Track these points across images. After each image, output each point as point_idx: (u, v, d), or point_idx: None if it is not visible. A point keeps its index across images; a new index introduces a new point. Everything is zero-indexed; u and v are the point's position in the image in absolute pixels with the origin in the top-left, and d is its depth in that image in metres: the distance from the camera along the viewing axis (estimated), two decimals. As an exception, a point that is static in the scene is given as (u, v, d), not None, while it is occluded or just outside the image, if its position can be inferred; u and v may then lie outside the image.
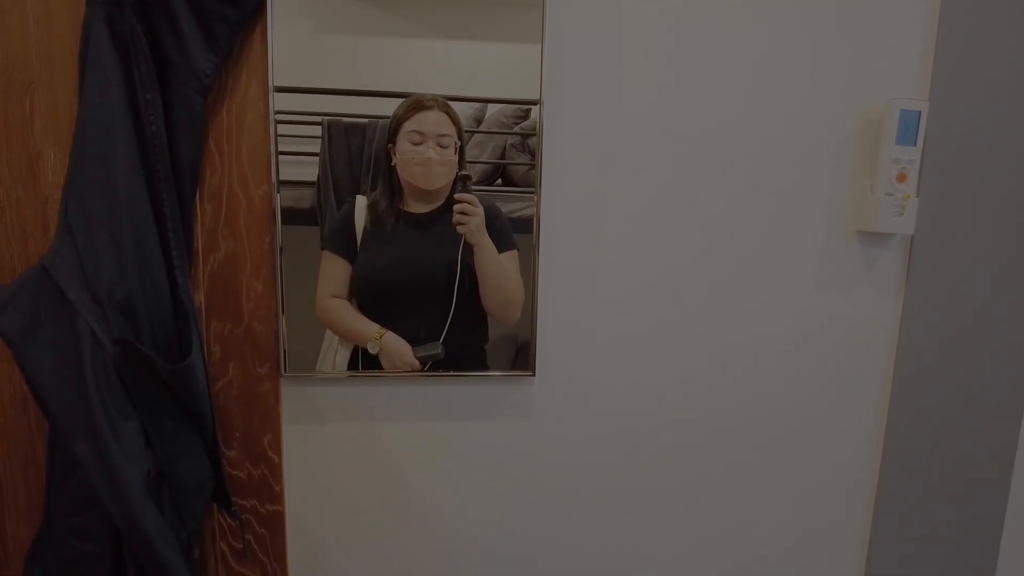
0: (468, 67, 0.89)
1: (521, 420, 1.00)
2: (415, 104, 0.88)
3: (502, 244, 0.92)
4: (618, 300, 0.98)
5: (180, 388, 0.77)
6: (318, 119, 0.87)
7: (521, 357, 0.97)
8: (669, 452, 1.04)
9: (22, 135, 0.79)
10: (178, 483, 0.81)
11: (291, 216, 0.87)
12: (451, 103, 0.89)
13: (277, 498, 0.93)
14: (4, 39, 0.77)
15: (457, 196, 0.88)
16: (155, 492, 0.78)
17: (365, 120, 0.88)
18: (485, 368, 0.97)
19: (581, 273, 0.97)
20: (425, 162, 0.88)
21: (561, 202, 0.94)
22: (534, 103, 0.90)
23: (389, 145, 0.89)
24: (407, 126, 0.88)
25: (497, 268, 0.91)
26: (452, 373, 0.95)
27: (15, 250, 0.81)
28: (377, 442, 0.98)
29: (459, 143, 0.90)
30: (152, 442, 0.78)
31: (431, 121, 0.88)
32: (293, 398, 0.95)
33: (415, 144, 0.88)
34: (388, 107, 0.88)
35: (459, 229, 0.88)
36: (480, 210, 0.88)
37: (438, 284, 0.91)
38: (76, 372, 0.72)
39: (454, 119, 0.89)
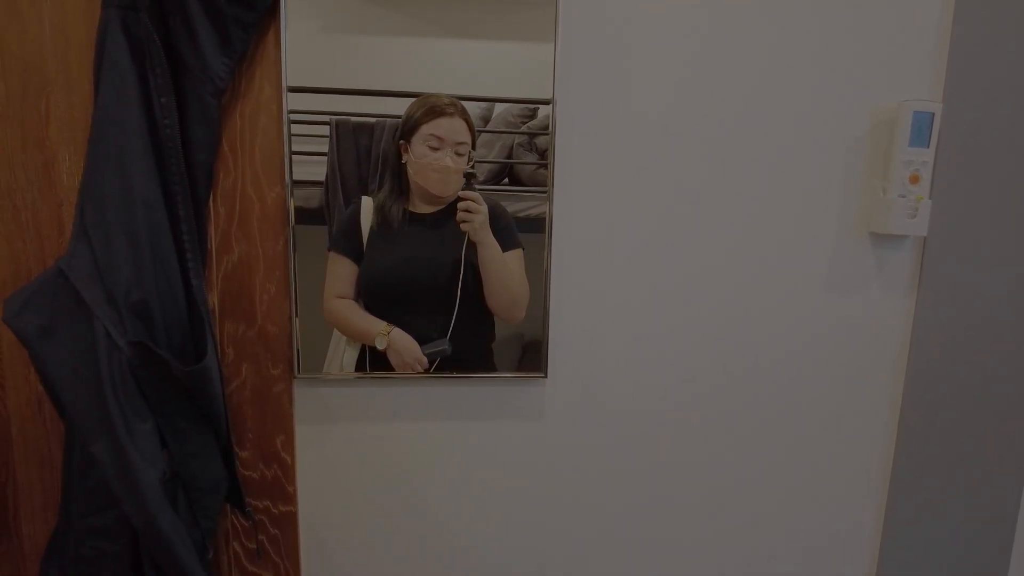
0: (476, 66, 0.91)
1: (533, 421, 1.03)
2: (435, 108, 0.89)
3: (507, 243, 0.94)
4: (630, 300, 1.01)
5: (195, 390, 0.80)
6: (326, 119, 0.90)
7: (528, 356, 1.00)
8: (682, 453, 1.07)
9: (38, 137, 0.82)
10: (193, 483, 0.84)
11: (299, 216, 0.90)
12: (460, 102, 0.90)
13: (290, 499, 0.96)
14: (20, 41, 0.80)
15: (461, 193, 0.91)
16: (170, 492, 0.81)
17: (373, 120, 0.91)
18: (492, 367, 0.99)
19: (593, 273, 0.99)
20: (443, 170, 0.91)
21: (573, 202, 0.97)
22: (546, 102, 0.93)
23: (401, 142, 0.91)
24: (426, 129, 0.90)
25: (500, 266, 0.93)
26: (463, 375, 0.98)
27: (31, 252, 0.84)
28: (389, 443, 1.01)
29: (474, 153, 0.93)
30: (167, 443, 0.82)
31: (451, 128, 0.90)
32: (305, 399, 0.98)
33: (433, 149, 0.90)
34: (396, 107, 0.90)
35: (463, 227, 0.91)
36: (484, 208, 0.91)
37: (442, 283, 0.94)
38: (93, 374, 0.75)
39: (470, 126, 0.92)
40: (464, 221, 0.90)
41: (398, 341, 0.94)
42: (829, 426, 1.08)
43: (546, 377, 1.00)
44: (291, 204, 0.89)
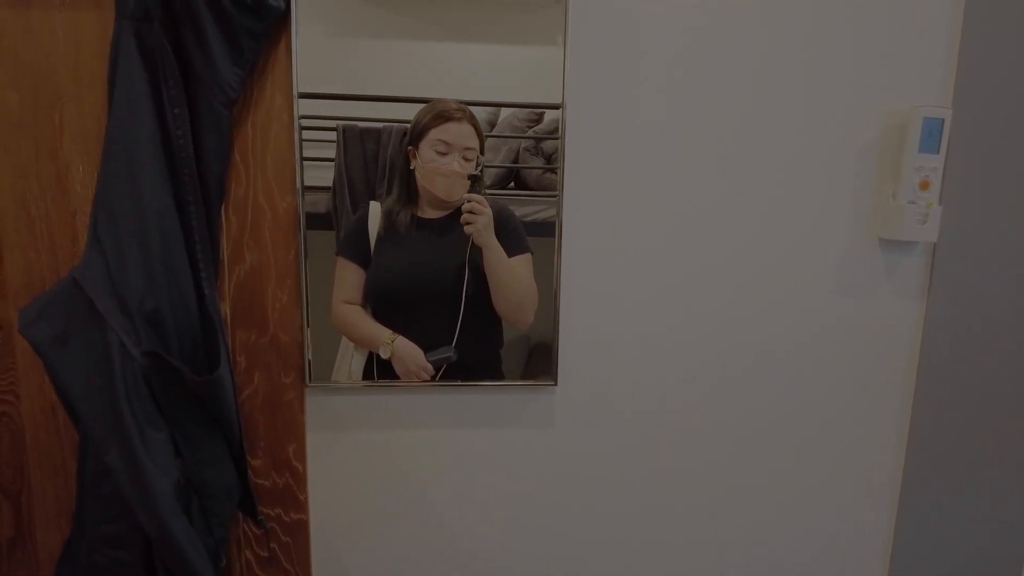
0: (482, 69, 0.95)
1: (543, 429, 1.06)
2: (443, 114, 0.93)
3: (515, 247, 0.97)
4: (640, 305, 1.04)
5: (209, 399, 0.84)
6: (333, 124, 0.93)
7: (536, 359, 1.02)
8: (695, 458, 1.10)
9: (51, 148, 0.86)
10: (206, 491, 0.88)
11: (308, 221, 0.93)
12: (468, 107, 0.94)
13: (301, 507, 0.99)
14: (33, 53, 0.84)
15: (466, 196, 0.94)
16: (183, 500, 0.84)
17: (380, 125, 0.94)
18: (500, 373, 1.02)
19: (603, 278, 1.03)
20: (450, 174, 0.94)
21: (582, 206, 1.00)
22: (555, 107, 0.96)
23: (409, 147, 0.94)
24: (433, 134, 0.93)
25: (505, 271, 0.96)
26: (470, 382, 1.01)
27: (44, 261, 0.88)
28: (399, 451, 1.04)
29: (482, 158, 0.96)
30: (180, 452, 0.85)
31: (459, 133, 0.93)
32: (315, 407, 1.01)
33: (441, 154, 0.94)
34: (403, 111, 0.94)
35: (466, 229, 0.94)
36: (488, 210, 0.94)
37: (448, 288, 0.97)
38: (107, 383, 0.79)
39: (478, 131, 0.95)
40: (468, 223, 0.93)
41: (402, 349, 0.98)
42: (840, 431, 1.12)
43: (556, 385, 1.03)
44: (302, 213, 0.92)
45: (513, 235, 0.97)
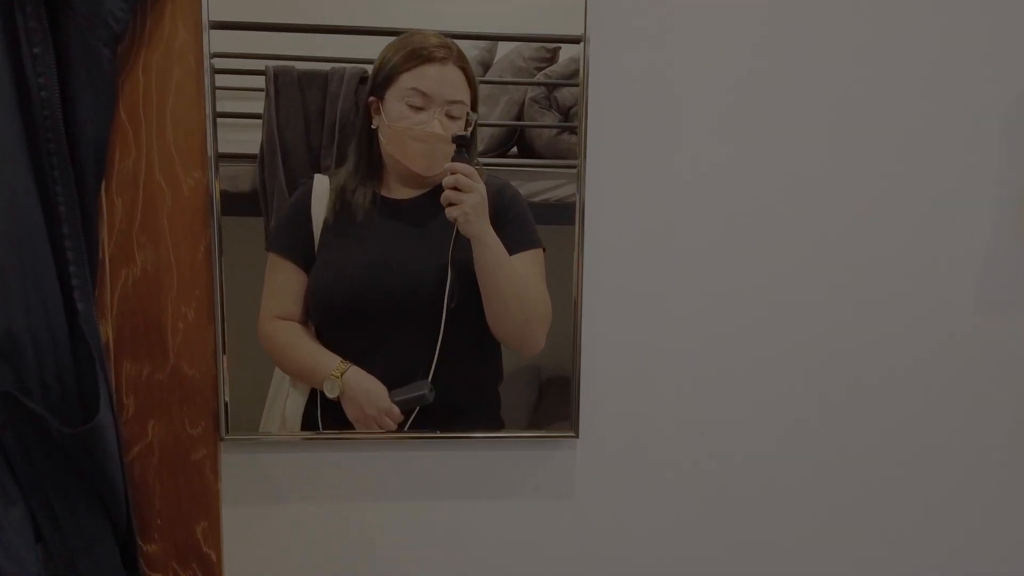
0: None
1: (560, 498, 1.06)
2: (419, 52, 0.92)
3: (520, 241, 0.97)
4: (697, 323, 1.04)
5: (83, 459, 0.83)
6: (260, 66, 0.93)
7: (548, 401, 1.02)
8: (770, 535, 1.10)
9: None
10: (80, 590, 0.86)
11: (225, 205, 0.92)
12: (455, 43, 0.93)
13: (215, 610, 0.99)
14: None
15: (448, 165, 0.92)
16: (48, 603, 0.83)
17: (327, 67, 0.94)
18: (497, 418, 1.02)
19: (643, 283, 1.02)
20: (426, 138, 0.93)
21: (613, 181, 0.99)
22: (576, 40, 0.95)
23: (371, 99, 0.94)
24: (406, 80, 0.92)
25: (505, 273, 0.95)
26: (455, 434, 1.01)
27: None
28: (355, 532, 1.04)
29: (474, 116, 0.95)
30: (44, 535, 0.84)
31: (441, 79, 0.92)
32: (235, 468, 1.00)
33: (415, 108, 0.93)
34: (362, 48, 0.93)
35: (449, 212, 0.92)
36: (480, 187, 0.92)
37: (423, 298, 0.96)
38: (-60, 438, 0.78)
39: (469, 77, 0.94)
40: (452, 204, 0.92)
41: (356, 386, 0.97)
42: (986, 486, 1.11)
43: (577, 436, 1.03)
44: (216, 193, 0.91)
45: (516, 223, 0.97)
